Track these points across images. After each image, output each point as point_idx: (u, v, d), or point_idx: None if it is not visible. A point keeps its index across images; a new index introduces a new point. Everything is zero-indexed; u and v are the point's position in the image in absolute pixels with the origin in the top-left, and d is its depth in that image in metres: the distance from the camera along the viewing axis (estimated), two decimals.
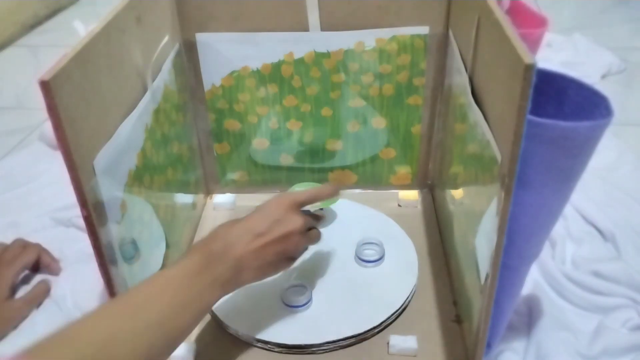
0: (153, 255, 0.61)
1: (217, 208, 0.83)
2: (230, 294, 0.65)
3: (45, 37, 1.62)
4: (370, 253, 0.71)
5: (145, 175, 0.58)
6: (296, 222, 0.57)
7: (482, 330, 0.51)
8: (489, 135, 0.48)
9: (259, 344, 0.62)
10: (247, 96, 0.76)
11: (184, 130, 0.73)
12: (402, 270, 0.69)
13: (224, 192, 0.85)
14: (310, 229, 0.61)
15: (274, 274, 0.58)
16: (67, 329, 0.44)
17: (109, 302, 0.50)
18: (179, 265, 0.51)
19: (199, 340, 0.62)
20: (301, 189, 0.76)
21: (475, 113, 0.52)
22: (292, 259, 0.59)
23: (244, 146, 0.81)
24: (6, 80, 1.38)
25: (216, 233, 0.55)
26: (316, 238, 0.62)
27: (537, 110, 0.41)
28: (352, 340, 0.61)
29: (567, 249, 0.78)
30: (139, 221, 0.56)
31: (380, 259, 0.70)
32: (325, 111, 0.77)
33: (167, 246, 0.65)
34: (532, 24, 0.85)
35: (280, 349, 0.61)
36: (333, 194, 0.63)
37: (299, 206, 0.59)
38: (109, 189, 0.49)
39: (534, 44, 0.80)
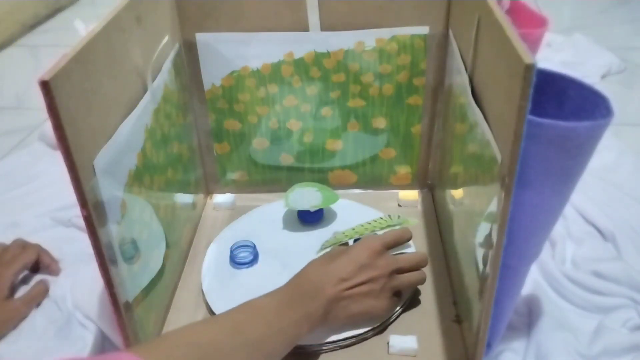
0: (153, 255, 0.61)
1: (217, 208, 0.83)
2: (230, 294, 0.66)
3: (45, 37, 1.62)
4: None
5: (145, 175, 0.58)
6: (381, 267, 0.59)
7: (482, 330, 0.51)
8: (489, 135, 0.48)
9: None
10: (247, 96, 0.76)
11: (184, 130, 0.73)
12: None
13: (224, 192, 0.85)
14: (404, 270, 0.62)
15: (366, 319, 0.60)
16: (171, 333, 0.49)
17: (207, 318, 0.56)
18: (273, 296, 0.56)
19: None
20: (302, 189, 0.77)
21: (475, 113, 0.52)
22: (383, 305, 0.60)
23: (244, 146, 0.81)
24: (6, 80, 1.38)
25: (306, 272, 0.58)
26: (417, 281, 0.64)
27: (537, 110, 0.41)
28: (352, 340, 0.61)
29: (567, 249, 0.78)
30: (139, 221, 0.56)
31: None
32: (325, 111, 0.77)
33: (167, 246, 0.65)
34: (532, 23, 0.85)
35: None
36: (409, 238, 0.65)
37: (385, 249, 0.61)
38: (109, 189, 0.49)
39: (534, 44, 0.80)
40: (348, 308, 0.58)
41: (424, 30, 0.70)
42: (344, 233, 0.68)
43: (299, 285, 0.57)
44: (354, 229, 0.68)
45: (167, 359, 0.45)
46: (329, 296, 0.56)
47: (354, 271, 0.58)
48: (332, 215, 0.78)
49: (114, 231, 0.49)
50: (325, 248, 0.66)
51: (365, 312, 0.59)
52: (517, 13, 0.88)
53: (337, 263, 0.58)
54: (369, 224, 0.69)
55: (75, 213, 0.84)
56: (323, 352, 0.61)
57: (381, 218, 0.70)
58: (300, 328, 0.54)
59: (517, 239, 0.49)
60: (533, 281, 0.72)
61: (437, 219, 0.79)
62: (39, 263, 0.75)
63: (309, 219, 0.76)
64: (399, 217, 0.69)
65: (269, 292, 0.57)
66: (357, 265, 0.58)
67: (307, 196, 0.76)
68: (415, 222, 0.69)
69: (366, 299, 0.58)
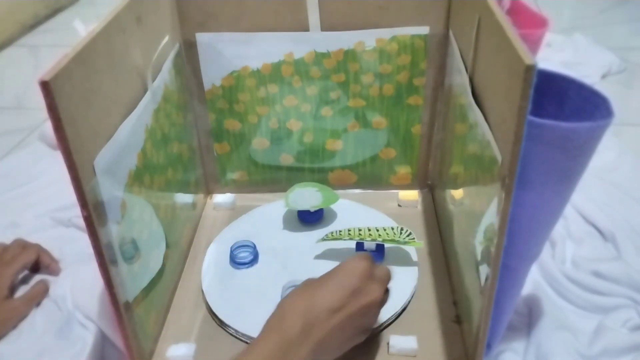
0: (153, 255, 0.61)
1: (217, 208, 0.83)
2: (230, 294, 0.66)
3: (45, 37, 1.62)
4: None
5: (145, 175, 0.58)
6: (374, 291, 0.53)
7: (482, 331, 0.51)
8: (489, 135, 0.48)
9: None
10: (247, 96, 0.76)
11: (184, 130, 0.73)
12: (402, 271, 0.69)
13: (224, 192, 0.85)
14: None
15: (350, 346, 0.54)
16: None
17: None
18: (255, 352, 0.48)
19: (199, 340, 0.62)
20: (302, 189, 0.77)
21: (475, 113, 0.52)
22: (369, 329, 0.56)
23: (244, 146, 0.81)
24: (6, 80, 1.38)
25: (292, 310, 0.50)
26: (386, 301, 0.58)
27: (537, 110, 0.41)
28: None
29: (567, 249, 0.78)
30: (139, 221, 0.56)
31: (381, 259, 0.70)
32: (325, 111, 0.77)
33: (167, 246, 0.65)
34: (532, 24, 0.85)
35: None
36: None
37: (373, 273, 0.55)
38: (109, 189, 0.49)
39: (534, 44, 0.80)
40: (340, 344, 0.52)
41: (424, 30, 0.70)
42: (349, 231, 0.68)
43: (284, 328, 0.49)
44: (360, 230, 0.68)
45: None
46: (318, 338, 0.49)
47: (344, 298, 0.51)
48: (332, 215, 0.78)
49: (114, 231, 0.49)
50: (325, 240, 0.67)
51: (358, 339, 0.54)
52: (518, 13, 0.88)
53: (325, 292, 0.51)
54: (377, 230, 0.69)
55: (75, 213, 0.84)
56: None
57: (392, 229, 0.68)
58: None
59: (518, 240, 0.49)
60: (533, 281, 0.72)
61: (437, 219, 0.79)
62: (39, 263, 0.75)
63: (309, 219, 0.76)
64: (409, 234, 0.67)
65: (254, 341, 0.49)
66: (347, 291, 0.51)
67: (307, 196, 0.76)
68: (420, 245, 0.68)
69: (360, 326, 0.53)
